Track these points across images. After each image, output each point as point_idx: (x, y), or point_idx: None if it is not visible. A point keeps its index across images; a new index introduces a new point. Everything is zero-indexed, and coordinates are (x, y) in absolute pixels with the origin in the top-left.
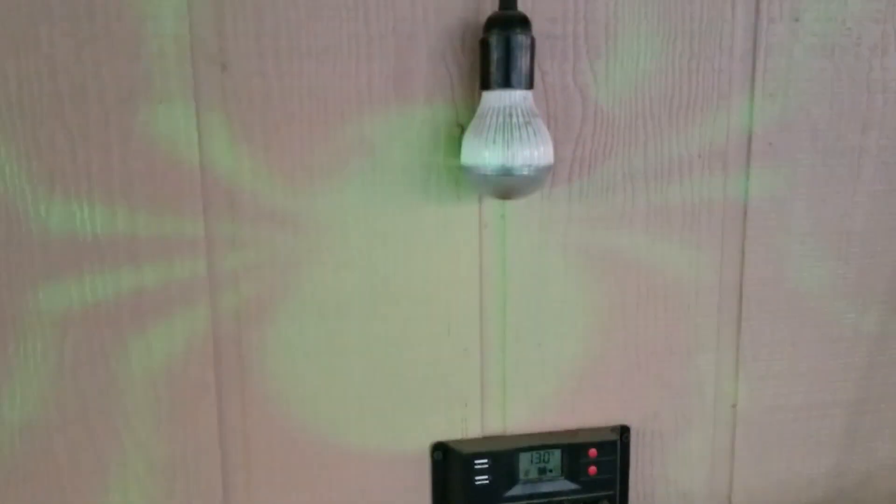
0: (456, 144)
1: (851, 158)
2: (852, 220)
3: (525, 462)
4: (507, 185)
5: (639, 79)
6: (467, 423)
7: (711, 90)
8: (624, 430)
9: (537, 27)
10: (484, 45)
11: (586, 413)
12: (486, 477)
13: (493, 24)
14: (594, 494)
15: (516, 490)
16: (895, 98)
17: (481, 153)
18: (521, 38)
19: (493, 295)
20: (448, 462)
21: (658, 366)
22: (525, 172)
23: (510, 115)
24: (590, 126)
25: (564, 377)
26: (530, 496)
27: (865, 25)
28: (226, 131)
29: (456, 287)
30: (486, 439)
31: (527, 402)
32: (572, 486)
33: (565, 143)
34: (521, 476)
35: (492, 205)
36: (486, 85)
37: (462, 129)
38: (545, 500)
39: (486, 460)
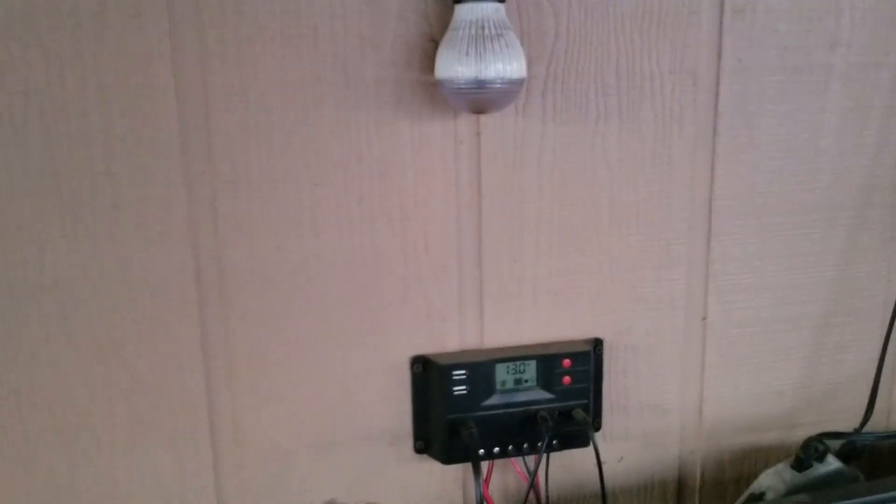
0: (429, 59)
1: (819, 75)
2: (820, 137)
3: (502, 373)
4: (480, 99)
5: None
6: (446, 337)
7: (681, 6)
8: (597, 343)
9: None
10: None
11: (561, 327)
12: (464, 387)
13: None
14: (568, 403)
15: (493, 399)
16: (863, 15)
17: (454, 66)
18: None
19: (469, 212)
20: (427, 374)
21: (631, 281)
22: (498, 85)
23: (482, 27)
24: (562, 42)
25: (540, 292)
26: (507, 405)
27: None
28: (198, 46)
29: (432, 204)
30: (464, 352)
31: (503, 317)
32: (547, 395)
33: (539, 60)
34: (498, 386)
35: (467, 121)
36: None
37: (435, 43)
38: (521, 408)
39: (463, 371)
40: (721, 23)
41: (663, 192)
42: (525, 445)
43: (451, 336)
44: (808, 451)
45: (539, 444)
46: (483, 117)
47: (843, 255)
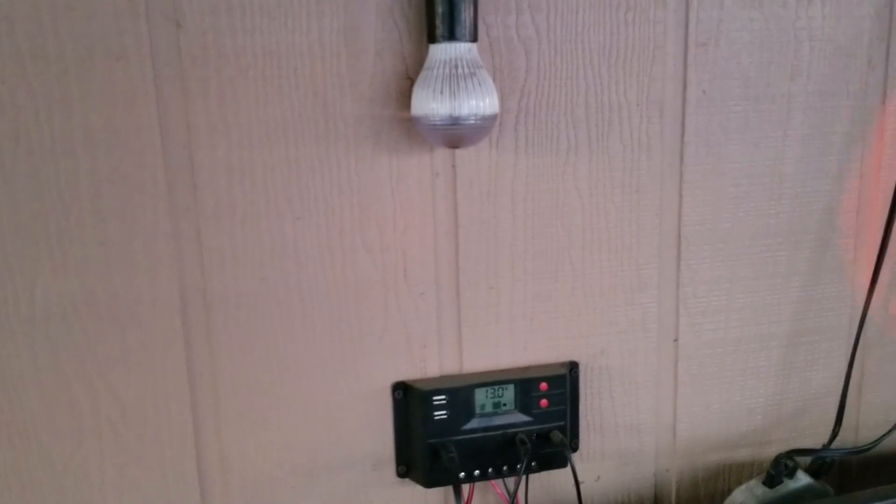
0: (406, 97)
1: (781, 104)
2: (783, 163)
3: (481, 397)
4: (455, 135)
5: (578, 31)
6: (426, 363)
7: (647, 41)
8: (573, 366)
9: None
10: (429, 0)
11: (538, 351)
12: (444, 412)
13: None
14: (546, 426)
15: (473, 423)
16: (820, 46)
17: (429, 104)
18: None
19: (446, 241)
20: (408, 400)
21: (604, 305)
22: (472, 122)
23: (456, 67)
24: (533, 77)
25: (516, 318)
26: (486, 428)
27: None
28: (181, 87)
29: (411, 235)
30: (443, 377)
31: (481, 342)
32: (525, 418)
33: (511, 95)
34: (478, 410)
35: (443, 154)
36: (432, 38)
37: (411, 81)
38: (500, 431)
39: (443, 396)
40: (686, 56)
41: (633, 219)
42: (504, 468)
43: (430, 362)
44: (779, 468)
45: (518, 466)
46: (458, 151)
47: (809, 277)
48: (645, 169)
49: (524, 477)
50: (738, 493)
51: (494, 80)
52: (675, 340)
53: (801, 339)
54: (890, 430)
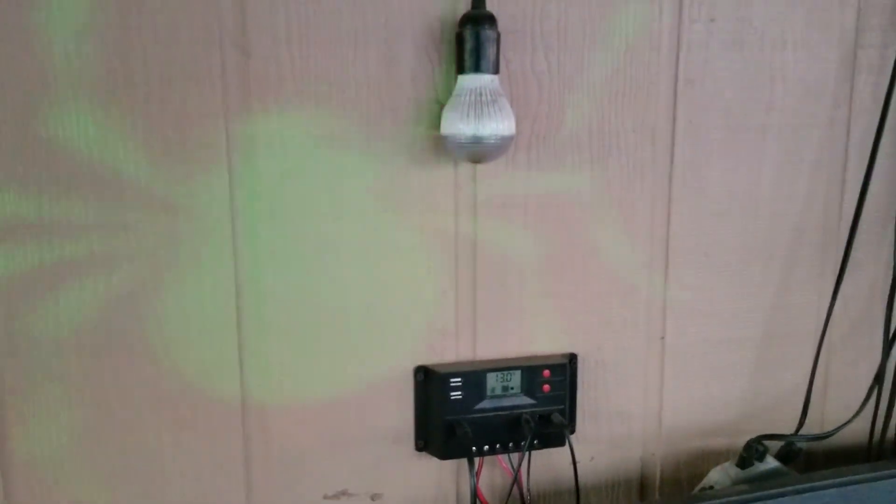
0: (436, 119)
1: (757, 135)
2: (758, 186)
3: (492, 381)
4: (477, 152)
5: (584, 68)
6: (444, 350)
7: (643, 78)
8: (573, 358)
9: (503, 24)
10: (459, 38)
11: (543, 344)
12: (459, 393)
13: (466, 20)
14: (548, 408)
15: (484, 404)
16: (792, 85)
17: (457, 125)
18: (488, 32)
19: (465, 245)
20: (428, 382)
21: (600, 306)
22: (492, 141)
23: (480, 94)
24: (545, 106)
25: (525, 314)
26: (496, 408)
27: (768, 25)
28: (248, 106)
29: (435, 238)
30: (459, 363)
31: (494, 334)
32: (530, 400)
33: (525, 120)
34: (489, 392)
35: (465, 169)
36: (461, 70)
37: (441, 105)
38: (508, 411)
39: (459, 379)
40: (675, 91)
41: (627, 231)
42: (510, 444)
43: (448, 350)
44: (750, 451)
45: (522, 443)
46: (479, 166)
47: (780, 287)
48: (638, 188)
49: (527, 453)
50: (714, 473)
51: (512, 107)
52: (663, 339)
53: (774, 342)
54: (848, 421)
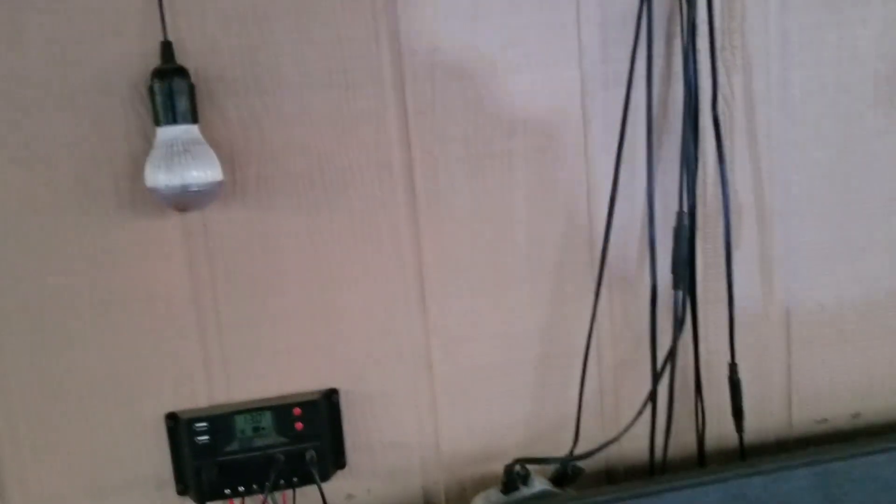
0: None
1: (503, 160)
2: (512, 209)
3: (241, 423)
4: (181, 200)
5: (304, 107)
6: (196, 396)
7: (369, 110)
8: (332, 392)
9: (213, 72)
10: (150, 92)
11: (303, 381)
12: (206, 437)
13: (154, 74)
14: (302, 446)
15: (234, 445)
16: (535, 106)
17: (153, 176)
18: (179, 84)
19: (205, 290)
20: (177, 427)
21: (360, 338)
22: (194, 189)
23: (172, 146)
24: (269, 147)
25: (279, 352)
26: (246, 450)
27: (498, 51)
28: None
29: (173, 288)
30: (210, 407)
31: (247, 377)
32: (282, 439)
33: (248, 164)
34: (238, 434)
35: (195, 215)
36: (157, 122)
37: None
38: (259, 452)
39: (205, 424)
40: (407, 124)
41: (378, 264)
42: (267, 483)
43: (200, 395)
44: (511, 476)
45: (280, 482)
46: (207, 211)
47: (553, 306)
48: (383, 221)
49: (276, 493)
50: (478, 499)
51: (232, 152)
52: (430, 368)
53: (552, 362)
54: (610, 441)
